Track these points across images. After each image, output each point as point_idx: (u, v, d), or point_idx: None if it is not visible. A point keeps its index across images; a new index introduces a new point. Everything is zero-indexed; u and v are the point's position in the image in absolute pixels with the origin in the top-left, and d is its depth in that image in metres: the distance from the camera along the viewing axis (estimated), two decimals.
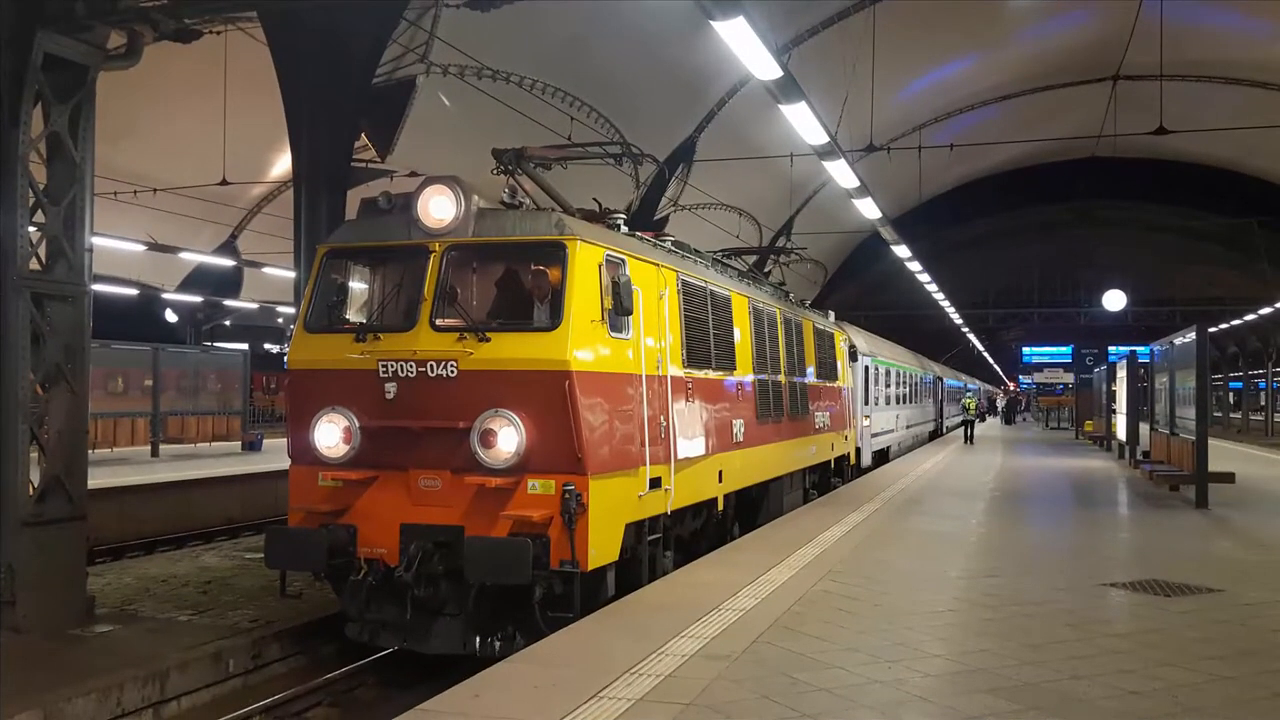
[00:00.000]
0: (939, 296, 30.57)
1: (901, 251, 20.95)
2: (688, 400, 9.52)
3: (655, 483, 8.65)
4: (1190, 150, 31.07)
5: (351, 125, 11.88)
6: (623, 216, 9.63)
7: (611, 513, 7.93)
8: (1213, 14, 24.52)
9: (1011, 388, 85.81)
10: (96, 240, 9.78)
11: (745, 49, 9.11)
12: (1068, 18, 26.10)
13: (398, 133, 12.45)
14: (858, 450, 20.47)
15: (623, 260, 8.36)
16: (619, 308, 7.99)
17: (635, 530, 8.48)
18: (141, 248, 23.01)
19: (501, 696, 5.42)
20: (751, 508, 12.63)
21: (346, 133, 11.81)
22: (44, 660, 7.87)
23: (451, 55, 12.97)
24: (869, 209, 15.75)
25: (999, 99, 28.77)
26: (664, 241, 10.51)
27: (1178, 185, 35.63)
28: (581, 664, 5.98)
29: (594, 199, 9.73)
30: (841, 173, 13.81)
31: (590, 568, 7.61)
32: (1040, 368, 46.07)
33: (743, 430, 11.30)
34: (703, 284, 10.48)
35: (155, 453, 22.01)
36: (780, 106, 11.27)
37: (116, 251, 23.02)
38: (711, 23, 8.61)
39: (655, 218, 22.22)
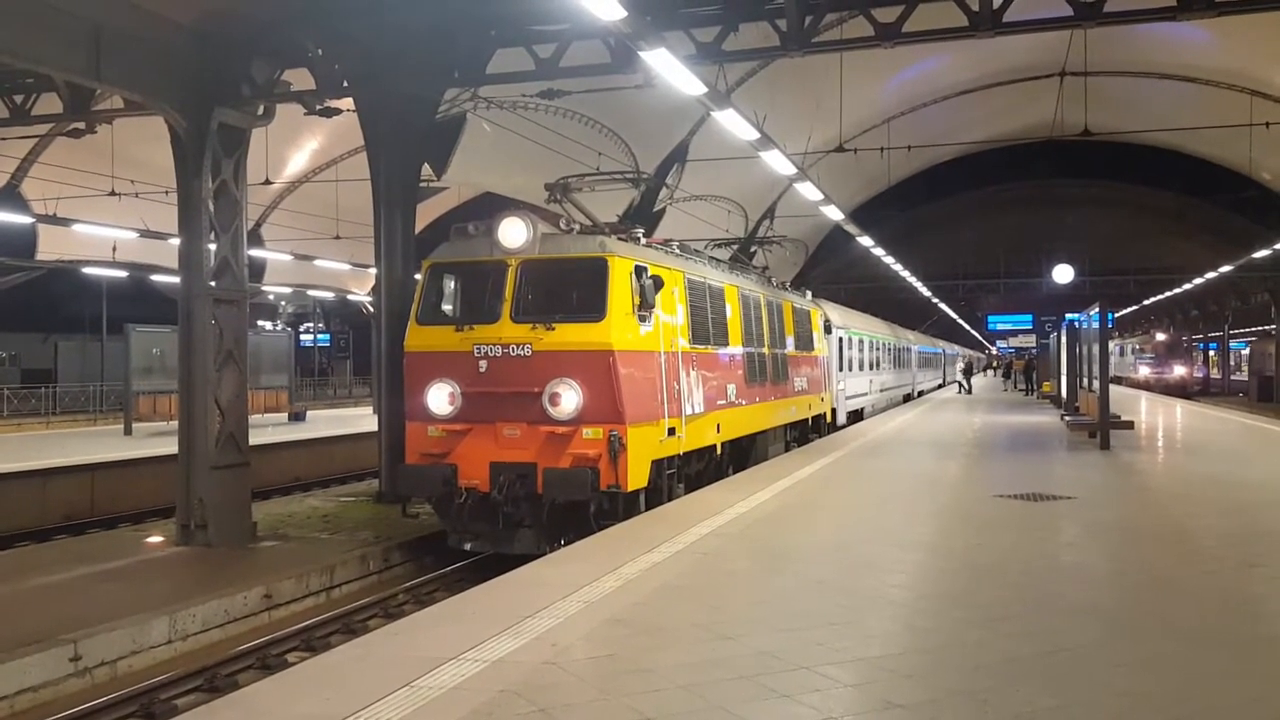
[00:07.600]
0: (905, 273, 33.71)
1: (865, 241, 24.04)
2: (693, 370, 12.68)
3: (671, 431, 11.82)
4: (1139, 135, 34.30)
5: (418, 157, 14.91)
6: (641, 230, 12.79)
7: (642, 451, 11.09)
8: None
9: (993, 352, 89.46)
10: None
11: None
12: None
13: (451, 156, 15.50)
14: (834, 410, 23.73)
15: (646, 268, 11.47)
16: (644, 303, 11.11)
17: (658, 466, 11.62)
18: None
19: (597, 550, 8.61)
20: (743, 454, 15.81)
21: (414, 163, 14.89)
22: (239, 563, 11.02)
23: (496, 91, 16.07)
24: (833, 213, 18.87)
25: (960, 94, 31.80)
26: (672, 247, 13.69)
27: (1129, 165, 38.90)
28: (634, 539, 9.14)
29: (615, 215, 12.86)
30: (804, 185, 16.89)
31: (629, 489, 10.79)
32: (1006, 335, 49.46)
33: (734, 392, 14.48)
34: (702, 279, 13.62)
35: None
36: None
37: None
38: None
39: (653, 210, 25.28)
